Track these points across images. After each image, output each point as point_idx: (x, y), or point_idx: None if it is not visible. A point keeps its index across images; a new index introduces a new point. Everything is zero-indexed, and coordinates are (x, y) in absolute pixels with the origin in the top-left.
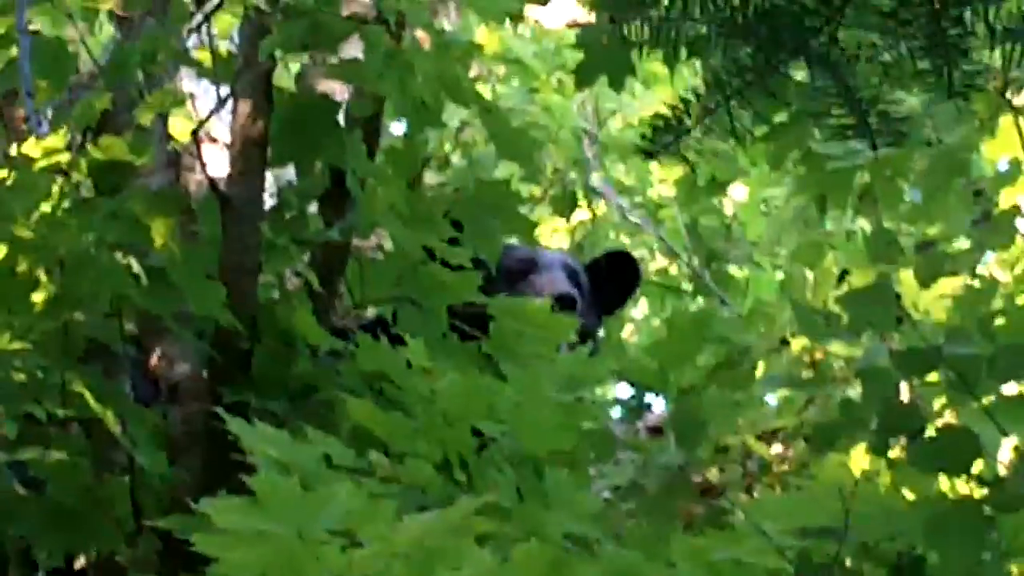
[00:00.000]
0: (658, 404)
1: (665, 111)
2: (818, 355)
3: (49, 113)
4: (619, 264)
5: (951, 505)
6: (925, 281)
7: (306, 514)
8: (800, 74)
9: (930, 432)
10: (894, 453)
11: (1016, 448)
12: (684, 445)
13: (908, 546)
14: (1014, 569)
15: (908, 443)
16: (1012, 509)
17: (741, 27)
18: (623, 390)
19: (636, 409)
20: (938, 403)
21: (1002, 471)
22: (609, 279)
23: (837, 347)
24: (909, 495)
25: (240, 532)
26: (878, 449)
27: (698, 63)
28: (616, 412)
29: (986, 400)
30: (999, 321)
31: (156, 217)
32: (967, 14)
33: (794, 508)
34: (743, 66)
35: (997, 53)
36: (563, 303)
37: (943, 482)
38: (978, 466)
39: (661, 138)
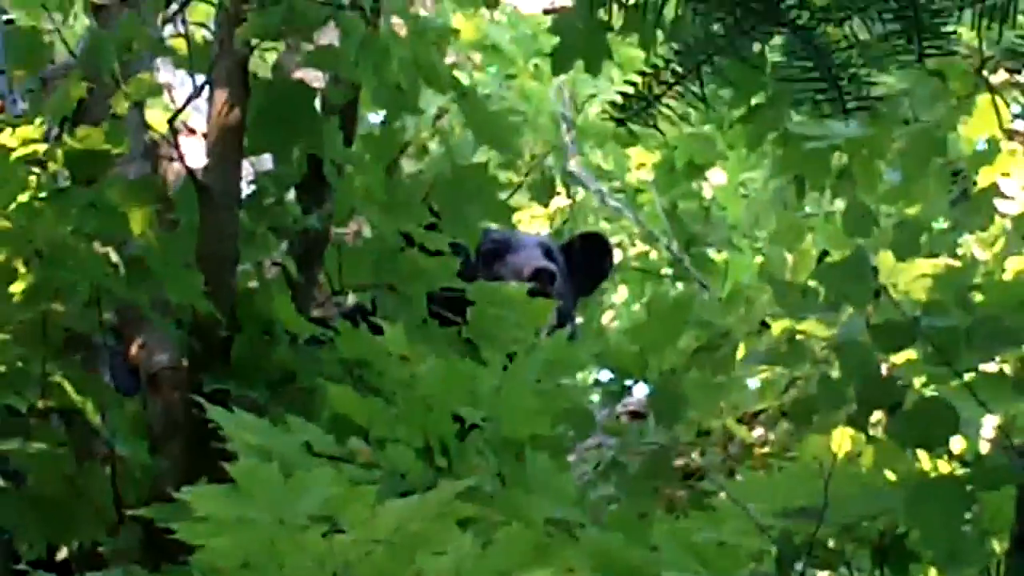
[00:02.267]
0: (639, 389)
1: (635, 79)
2: (798, 337)
3: (26, 104)
4: (593, 246)
5: (933, 482)
6: (903, 255)
7: (287, 500)
8: (775, 55)
9: (908, 406)
10: (874, 432)
11: (998, 425)
12: (664, 424)
13: (890, 525)
14: (996, 546)
15: (887, 417)
16: (993, 486)
17: None
18: (603, 375)
19: (616, 394)
20: (918, 381)
21: (984, 448)
22: (583, 261)
23: (817, 327)
24: (891, 475)
25: (221, 519)
26: (857, 423)
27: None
28: (597, 397)
29: (967, 376)
30: (978, 297)
31: (133, 206)
32: None
33: (775, 489)
34: (713, 32)
35: (973, 33)
36: (541, 278)
37: (925, 461)
38: (960, 444)
39: (631, 105)
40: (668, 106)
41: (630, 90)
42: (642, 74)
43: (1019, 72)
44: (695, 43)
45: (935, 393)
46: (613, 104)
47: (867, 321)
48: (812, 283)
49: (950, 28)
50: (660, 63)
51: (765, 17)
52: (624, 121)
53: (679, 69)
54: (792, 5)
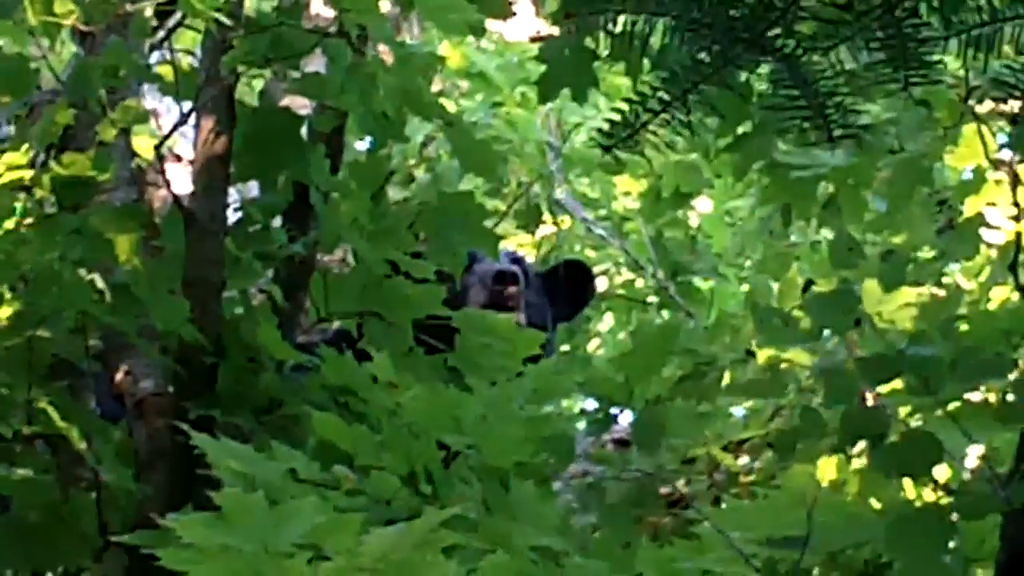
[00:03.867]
0: (625, 417)
1: (622, 106)
2: (783, 366)
3: (12, 128)
4: (575, 273)
5: (914, 511)
6: (889, 286)
7: (272, 528)
8: (762, 86)
9: (892, 437)
10: (859, 462)
11: (982, 455)
12: (646, 451)
13: (874, 554)
14: (980, 575)
15: (870, 448)
16: (976, 515)
17: (697, 20)
18: (590, 404)
19: (602, 422)
20: (903, 411)
21: (968, 478)
22: (566, 288)
23: (801, 356)
24: (875, 504)
25: (206, 547)
26: (840, 452)
27: None
28: (583, 425)
29: (951, 406)
30: (963, 327)
31: (119, 233)
32: (922, 6)
33: (760, 517)
34: (699, 60)
35: (959, 62)
36: (506, 278)
37: (909, 490)
38: (944, 473)
39: (618, 133)
40: (654, 133)
41: (616, 117)
42: (628, 101)
43: (1005, 101)
44: (681, 71)
45: (919, 423)
46: (599, 131)
47: (851, 351)
48: (796, 312)
49: (936, 57)
50: (647, 90)
51: (751, 45)
52: (610, 148)
53: (665, 97)
54: (778, 34)
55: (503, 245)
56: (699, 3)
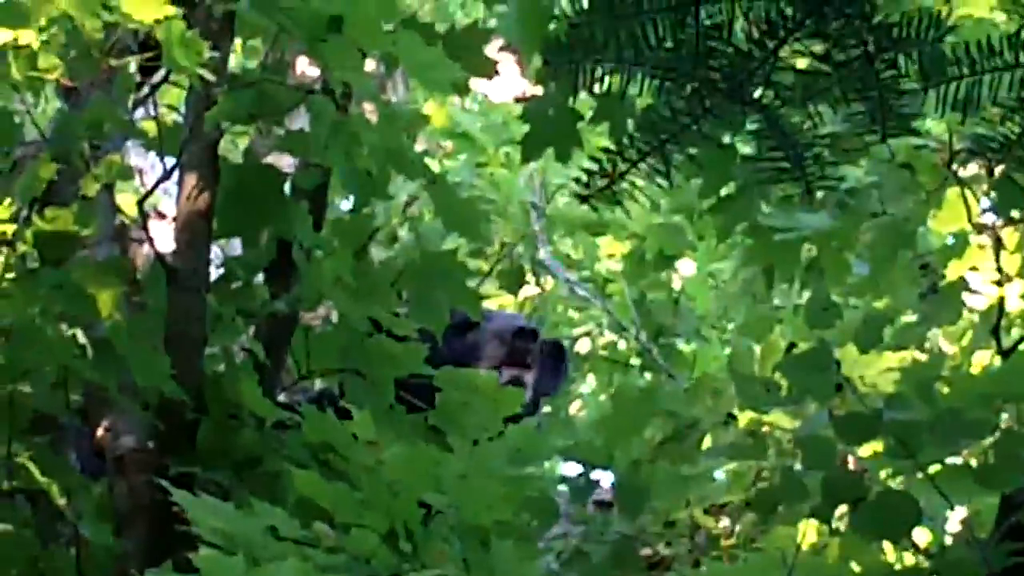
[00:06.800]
0: (606, 479)
1: (599, 156)
2: (765, 429)
3: None
4: (553, 351)
5: (895, 574)
6: (865, 347)
7: None
8: (746, 149)
9: (871, 498)
10: (839, 525)
11: (963, 519)
12: (627, 514)
13: None
14: None
15: (850, 510)
16: None
17: (676, 69)
18: (571, 468)
19: (584, 486)
20: (884, 474)
21: (949, 542)
22: (547, 364)
23: (782, 419)
24: (856, 567)
25: None
26: (822, 517)
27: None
28: (564, 488)
29: (932, 470)
30: (945, 390)
31: (102, 288)
32: (901, 58)
33: None
34: (677, 110)
35: (943, 127)
36: (527, 335)
37: (890, 554)
38: (925, 537)
39: (594, 183)
40: (633, 184)
41: (594, 167)
42: (606, 151)
43: (986, 159)
44: (659, 120)
45: (900, 487)
46: (577, 180)
47: (831, 414)
48: (777, 375)
49: (914, 111)
50: (625, 140)
51: (730, 96)
52: (587, 199)
53: (643, 147)
54: (757, 83)
55: (487, 305)
56: (678, 53)
